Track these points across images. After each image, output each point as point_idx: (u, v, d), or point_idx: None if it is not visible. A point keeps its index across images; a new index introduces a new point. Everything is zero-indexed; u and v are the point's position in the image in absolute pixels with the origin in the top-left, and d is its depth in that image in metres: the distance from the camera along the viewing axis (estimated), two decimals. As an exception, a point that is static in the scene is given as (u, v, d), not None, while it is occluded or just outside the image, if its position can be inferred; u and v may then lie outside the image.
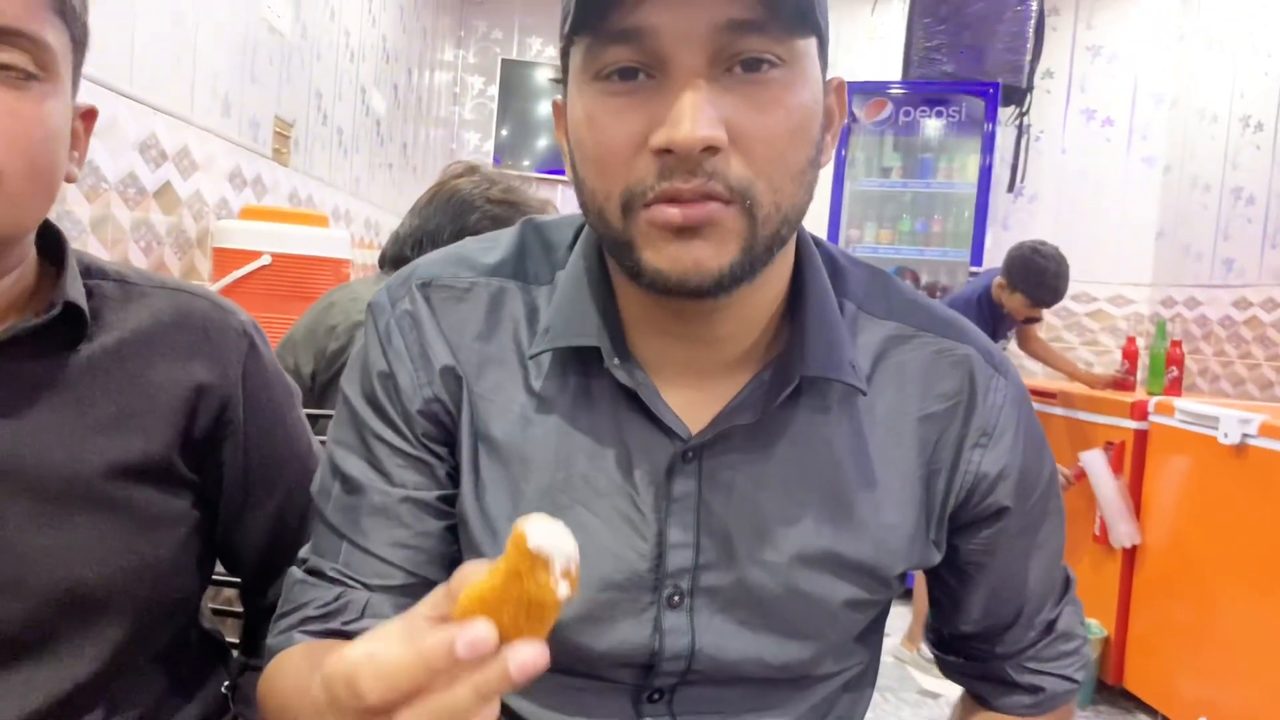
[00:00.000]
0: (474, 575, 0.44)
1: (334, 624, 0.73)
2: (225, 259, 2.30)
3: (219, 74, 2.51)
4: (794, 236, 0.71)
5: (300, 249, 2.32)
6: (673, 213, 0.62)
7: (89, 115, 0.84)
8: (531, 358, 0.74)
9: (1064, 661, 0.88)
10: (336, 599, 0.73)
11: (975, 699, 0.92)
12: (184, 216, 2.36)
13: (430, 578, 0.74)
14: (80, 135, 0.83)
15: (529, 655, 0.43)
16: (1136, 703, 3.08)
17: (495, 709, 0.45)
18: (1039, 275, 3.22)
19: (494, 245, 0.79)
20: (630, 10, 0.60)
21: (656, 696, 0.76)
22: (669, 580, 0.73)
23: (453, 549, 0.76)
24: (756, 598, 0.74)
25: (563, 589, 0.43)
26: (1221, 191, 4.15)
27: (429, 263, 0.78)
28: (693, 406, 0.73)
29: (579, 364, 0.73)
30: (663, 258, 0.63)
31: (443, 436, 0.76)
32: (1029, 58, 4.36)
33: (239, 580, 1.00)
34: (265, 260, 2.25)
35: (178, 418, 0.85)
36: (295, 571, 0.78)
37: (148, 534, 0.82)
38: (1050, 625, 0.87)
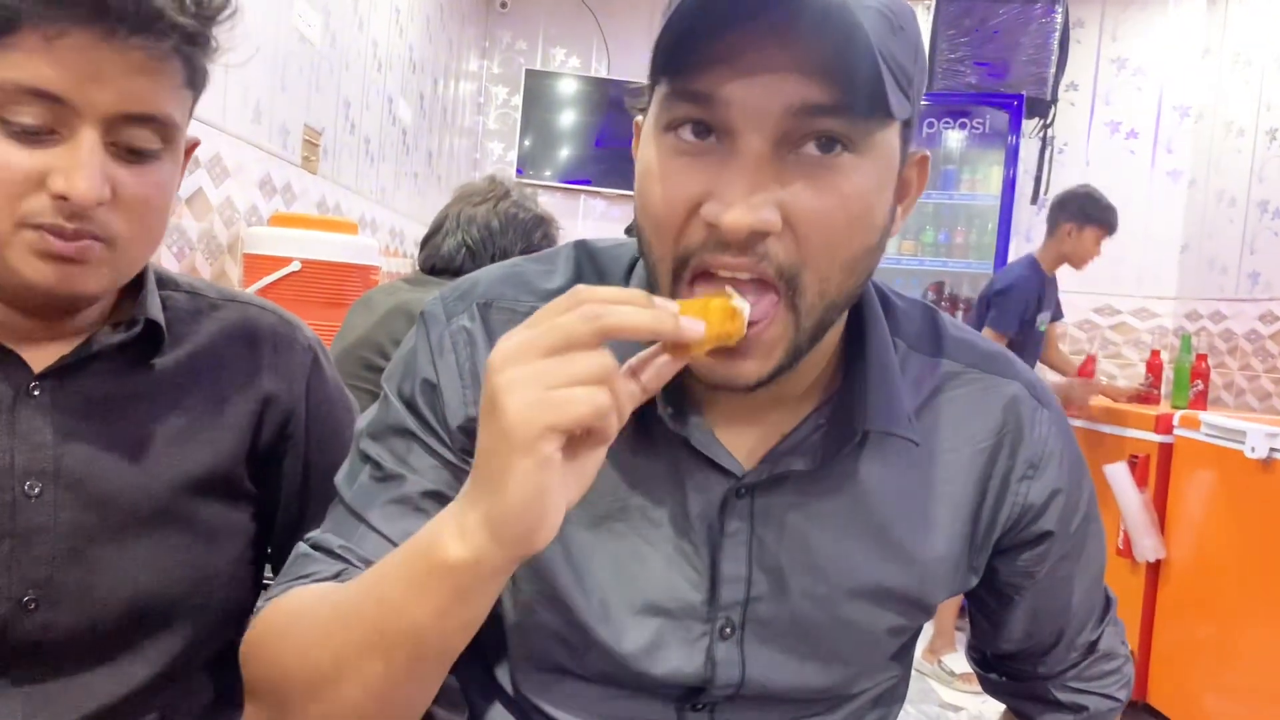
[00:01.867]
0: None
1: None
2: (255, 265, 2.32)
3: (250, 83, 2.54)
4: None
5: (330, 256, 2.34)
6: None
7: (190, 148, 0.85)
8: None
9: (1106, 680, 0.89)
10: (337, 575, 0.71)
11: (1018, 716, 0.93)
12: (215, 223, 2.39)
13: None
14: (181, 164, 0.86)
15: (696, 324, 0.56)
16: (1160, 719, 3.06)
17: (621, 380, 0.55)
18: (1101, 203, 3.38)
19: (550, 269, 0.79)
20: (708, 76, 0.60)
21: (700, 707, 0.78)
22: (721, 612, 0.74)
23: None
24: (804, 629, 0.75)
25: (740, 304, 0.60)
26: (1248, 205, 4.13)
27: (489, 282, 0.78)
28: (747, 441, 0.74)
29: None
30: (701, 365, 0.64)
31: None
32: (1053, 70, 4.35)
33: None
34: (295, 266, 2.27)
35: (244, 431, 0.87)
36: (301, 545, 0.76)
37: (210, 547, 0.84)
38: (1092, 646, 0.88)
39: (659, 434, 0.73)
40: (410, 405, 0.75)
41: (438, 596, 0.56)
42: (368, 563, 0.70)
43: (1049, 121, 4.52)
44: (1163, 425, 3.12)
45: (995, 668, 0.92)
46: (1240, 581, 2.73)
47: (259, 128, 2.62)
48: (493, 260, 1.90)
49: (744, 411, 0.74)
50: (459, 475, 0.74)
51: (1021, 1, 4.31)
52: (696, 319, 0.56)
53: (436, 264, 1.95)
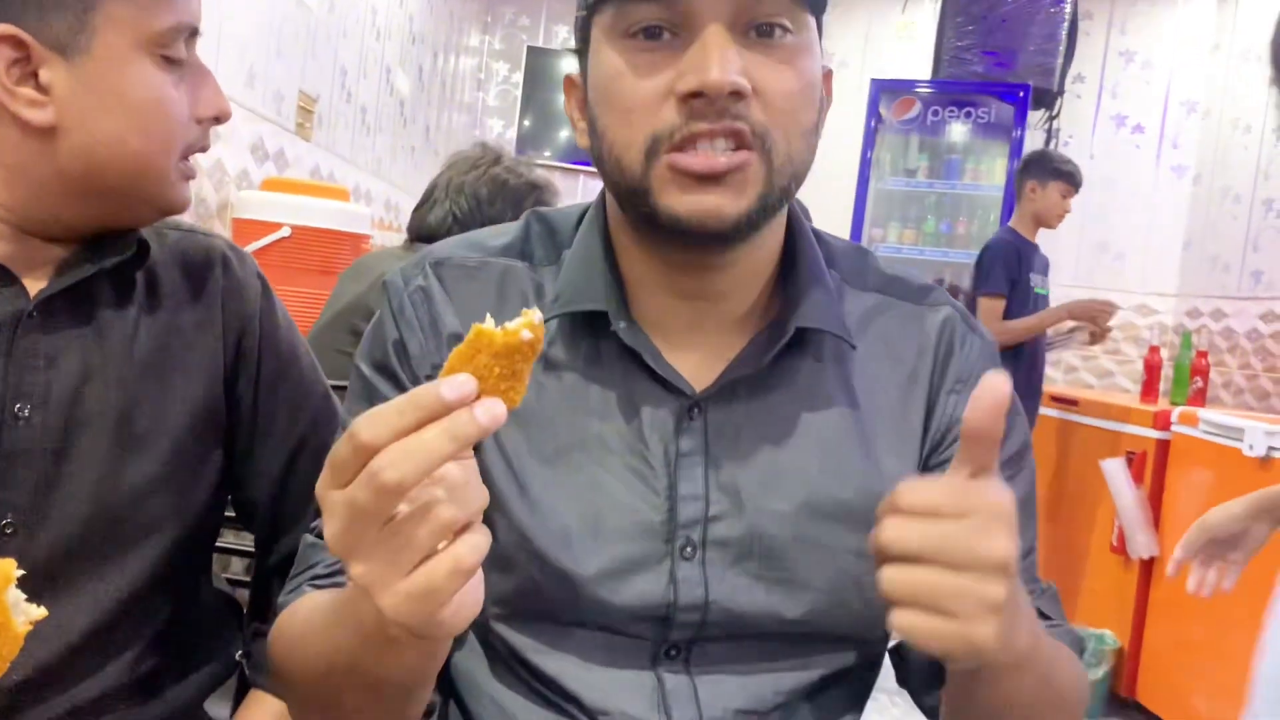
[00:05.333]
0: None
1: (340, 579, 0.76)
2: (245, 230, 2.28)
3: (245, 44, 2.49)
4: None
5: (321, 222, 2.30)
6: (695, 161, 0.67)
7: None
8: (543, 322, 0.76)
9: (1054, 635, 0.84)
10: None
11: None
12: (204, 185, 2.34)
13: None
14: None
15: (495, 407, 0.50)
16: (1149, 716, 3.04)
17: (471, 469, 0.52)
18: (1058, 158, 3.48)
19: (502, 233, 0.85)
20: None
21: (674, 652, 0.78)
22: (681, 531, 0.76)
23: None
24: (766, 547, 0.76)
25: (525, 334, 0.51)
26: (1252, 203, 4.09)
27: (442, 246, 0.84)
28: (697, 365, 0.78)
29: (587, 328, 0.77)
30: (681, 204, 0.68)
31: None
32: (1060, 61, 4.31)
33: (250, 549, 1.01)
34: (285, 232, 2.23)
35: (218, 354, 0.89)
36: (307, 537, 0.81)
37: (192, 474, 0.87)
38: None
39: (609, 358, 0.77)
40: (383, 368, 0.79)
41: (377, 650, 0.59)
42: None
43: (1054, 113, 4.48)
44: (1160, 421, 3.09)
45: None
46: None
47: (252, 91, 2.57)
48: None
49: (693, 336, 0.78)
50: None
51: (1031, -10, 4.26)
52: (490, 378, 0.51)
53: (422, 232, 1.91)
